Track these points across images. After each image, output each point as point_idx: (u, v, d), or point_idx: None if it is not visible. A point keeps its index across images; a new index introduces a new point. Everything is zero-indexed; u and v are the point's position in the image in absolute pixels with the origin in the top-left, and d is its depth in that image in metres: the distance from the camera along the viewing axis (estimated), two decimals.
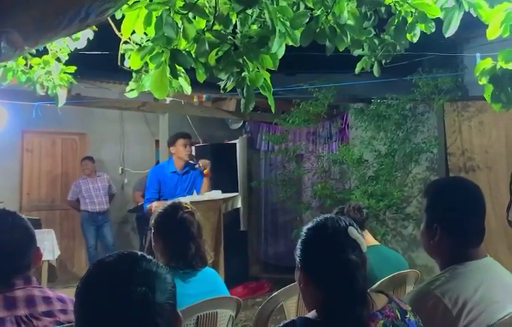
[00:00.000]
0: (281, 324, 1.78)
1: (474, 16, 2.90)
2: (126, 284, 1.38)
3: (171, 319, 1.44)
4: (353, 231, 1.85)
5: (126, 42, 3.06)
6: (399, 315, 1.84)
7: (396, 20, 3.10)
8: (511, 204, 3.15)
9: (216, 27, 2.62)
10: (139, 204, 8.21)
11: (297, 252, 1.93)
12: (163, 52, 2.58)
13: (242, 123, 10.14)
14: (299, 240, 1.93)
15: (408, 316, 1.86)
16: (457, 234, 2.25)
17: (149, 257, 1.48)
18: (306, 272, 1.88)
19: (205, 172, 6.62)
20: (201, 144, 9.30)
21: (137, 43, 2.97)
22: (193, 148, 7.96)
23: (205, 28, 2.61)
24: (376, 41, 3.26)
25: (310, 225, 1.95)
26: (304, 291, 1.89)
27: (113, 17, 2.77)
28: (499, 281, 2.23)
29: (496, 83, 3.02)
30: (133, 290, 1.37)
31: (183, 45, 2.67)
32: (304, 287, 1.88)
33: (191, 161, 6.64)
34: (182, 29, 2.53)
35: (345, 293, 1.76)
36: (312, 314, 1.80)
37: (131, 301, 1.36)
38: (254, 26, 2.77)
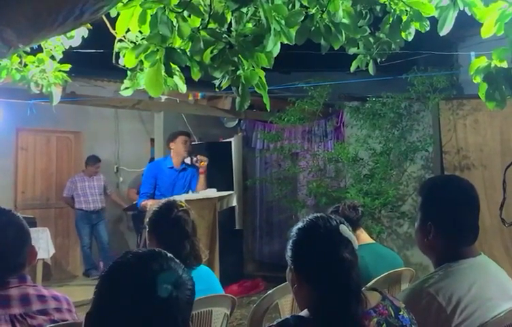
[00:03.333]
0: (275, 323, 1.77)
1: (469, 14, 2.91)
2: (155, 280, 1.43)
3: (187, 321, 1.51)
4: (345, 228, 1.85)
5: (121, 40, 3.06)
6: (392, 313, 1.84)
7: (391, 19, 3.10)
8: (504, 202, 3.16)
9: (211, 25, 2.62)
10: (134, 203, 8.19)
11: (289, 253, 1.90)
12: (157, 50, 2.57)
13: (237, 122, 10.13)
14: (291, 241, 1.91)
15: (401, 313, 1.86)
16: (451, 232, 2.25)
17: (177, 260, 1.54)
18: (300, 273, 1.86)
19: (201, 164, 6.60)
20: (196, 143, 9.29)
21: (131, 42, 2.97)
22: None
23: (200, 27, 2.61)
24: (371, 40, 3.26)
25: (300, 225, 1.92)
26: (297, 292, 1.88)
27: (108, 15, 2.76)
28: (493, 278, 2.24)
29: (490, 81, 3.03)
30: (160, 286, 1.42)
31: (178, 43, 2.67)
32: (298, 288, 1.86)
33: (187, 161, 6.62)
34: (177, 27, 2.53)
35: (341, 292, 1.76)
36: (305, 312, 1.79)
37: (157, 296, 1.41)
38: (249, 25, 2.77)
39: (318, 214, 1.93)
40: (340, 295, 1.75)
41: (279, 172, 9.27)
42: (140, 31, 2.76)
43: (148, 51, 2.60)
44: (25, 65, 3.79)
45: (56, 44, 3.74)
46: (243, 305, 7.14)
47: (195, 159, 6.61)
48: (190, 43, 2.64)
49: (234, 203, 7.00)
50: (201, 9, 2.58)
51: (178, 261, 1.53)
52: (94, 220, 9.44)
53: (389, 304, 1.86)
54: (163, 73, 2.62)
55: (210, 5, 2.55)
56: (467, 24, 3.12)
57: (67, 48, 3.77)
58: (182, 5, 2.46)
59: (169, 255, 1.53)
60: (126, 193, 10.10)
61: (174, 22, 2.52)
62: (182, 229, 3.09)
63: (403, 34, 3.15)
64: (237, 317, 6.51)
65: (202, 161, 6.63)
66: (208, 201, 6.18)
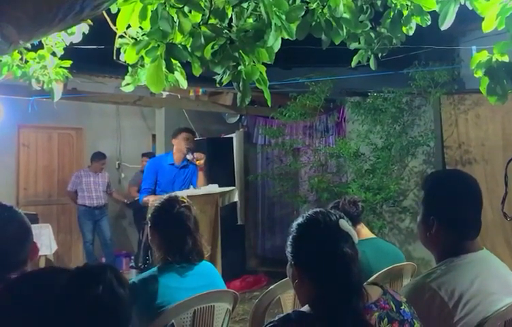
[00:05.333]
0: (276, 318, 1.77)
1: (470, 8, 2.90)
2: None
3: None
4: (344, 223, 1.85)
5: (121, 36, 3.05)
6: (394, 307, 1.84)
7: (392, 13, 3.10)
8: (506, 196, 3.15)
9: (212, 21, 2.62)
10: (136, 199, 8.20)
11: (289, 249, 1.91)
12: (158, 46, 2.57)
13: (238, 117, 10.14)
14: (291, 237, 1.92)
15: (403, 307, 1.87)
16: (454, 226, 2.25)
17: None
18: (301, 268, 1.87)
19: (197, 162, 6.58)
20: (197, 139, 9.29)
21: (132, 38, 2.96)
22: None
23: (201, 22, 2.60)
24: (373, 35, 3.26)
25: (300, 220, 1.93)
26: (298, 288, 1.88)
27: (108, 11, 2.77)
28: (495, 273, 2.24)
29: (491, 76, 3.02)
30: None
31: (179, 39, 2.66)
32: (299, 284, 1.87)
33: (188, 157, 6.61)
34: (177, 23, 2.52)
35: (342, 287, 1.76)
36: (307, 308, 1.79)
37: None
38: (250, 20, 2.77)
39: (318, 210, 1.94)
40: (341, 289, 1.75)
41: (281, 167, 9.27)
42: (141, 27, 2.76)
43: (149, 47, 2.59)
44: (26, 62, 3.79)
45: (57, 40, 3.74)
46: (245, 300, 7.16)
47: (191, 157, 6.60)
48: (191, 39, 2.64)
49: (236, 198, 7.00)
50: (202, 5, 2.57)
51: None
52: (97, 216, 9.44)
53: (390, 299, 1.86)
54: (164, 69, 2.62)
55: (211, 1, 2.55)
56: (468, 19, 3.11)
57: (67, 44, 3.77)
58: (183, 1, 2.46)
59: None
60: (127, 190, 10.12)
61: (175, 18, 2.52)
62: (184, 225, 3.09)
63: (404, 29, 3.15)
64: (239, 312, 6.53)
65: (198, 160, 6.61)
66: (210, 196, 6.18)
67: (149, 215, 3.23)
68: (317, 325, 1.72)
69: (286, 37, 2.74)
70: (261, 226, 10.33)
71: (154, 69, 2.61)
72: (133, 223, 10.05)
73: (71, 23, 2.44)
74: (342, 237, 1.82)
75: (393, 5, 3.08)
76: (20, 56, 3.75)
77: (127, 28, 2.83)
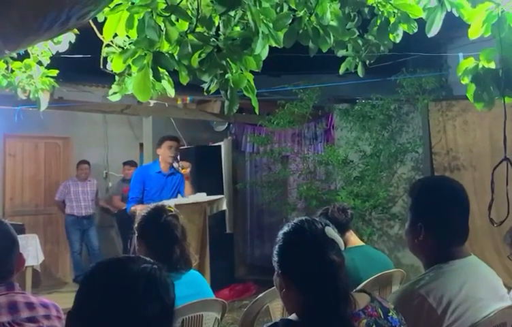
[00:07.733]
0: (264, 326, 1.77)
1: (457, 15, 2.91)
2: (138, 281, 1.51)
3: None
4: (331, 231, 1.85)
5: (108, 45, 3.04)
6: (381, 314, 1.84)
7: (379, 21, 3.11)
8: (493, 202, 3.17)
9: (199, 29, 2.62)
10: (124, 208, 8.16)
11: (276, 258, 1.90)
12: (145, 54, 2.57)
13: (226, 125, 10.14)
14: (277, 246, 1.91)
15: (390, 314, 1.87)
16: (441, 232, 2.25)
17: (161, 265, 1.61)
18: (288, 277, 1.86)
19: (182, 170, 6.55)
20: (185, 147, 9.27)
21: (119, 46, 2.95)
22: None
23: (188, 31, 2.60)
24: (360, 42, 3.27)
25: (286, 229, 1.93)
26: (286, 297, 1.87)
27: (95, 20, 2.75)
28: (483, 279, 2.25)
29: (478, 82, 3.03)
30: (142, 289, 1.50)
31: (166, 47, 2.66)
32: (286, 292, 1.86)
33: (174, 165, 6.58)
34: (164, 32, 2.52)
35: (329, 294, 1.75)
36: (294, 316, 1.79)
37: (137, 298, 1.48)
38: (237, 28, 2.77)
39: (303, 218, 1.93)
40: (328, 297, 1.75)
41: (269, 175, 9.27)
42: (128, 36, 2.75)
43: (136, 55, 2.59)
44: (12, 71, 3.77)
45: (43, 50, 3.73)
46: (234, 309, 7.14)
47: (176, 165, 6.56)
48: (178, 47, 2.64)
49: (224, 207, 6.97)
50: (189, 13, 2.57)
51: (162, 266, 1.59)
52: (86, 225, 9.38)
53: (378, 306, 1.86)
54: (151, 77, 2.61)
55: (198, 9, 2.54)
56: (455, 26, 3.13)
57: (54, 53, 3.76)
58: (170, 9, 2.45)
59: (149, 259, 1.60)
60: (112, 200, 10.06)
61: (162, 27, 2.51)
62: (171, 234, 3.07)
63: (391, 36, 3.16)
64: (228, 321, 6.50)
65: (184, 168, 6.57)
66: (198, 205, 6.16)
67: (136, 225, 3.21)
68: None
69: (274, 44, 2.74)
70: (249, 234, 10.31)
71: (141, 77, 2.61)
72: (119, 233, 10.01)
73: (57, 32, 2.42)
74: (328, 244, 1.82)
75: (380, 12, 3.08)
76: (5, 66, 3.73)
77: (114, 37, 2.82)
